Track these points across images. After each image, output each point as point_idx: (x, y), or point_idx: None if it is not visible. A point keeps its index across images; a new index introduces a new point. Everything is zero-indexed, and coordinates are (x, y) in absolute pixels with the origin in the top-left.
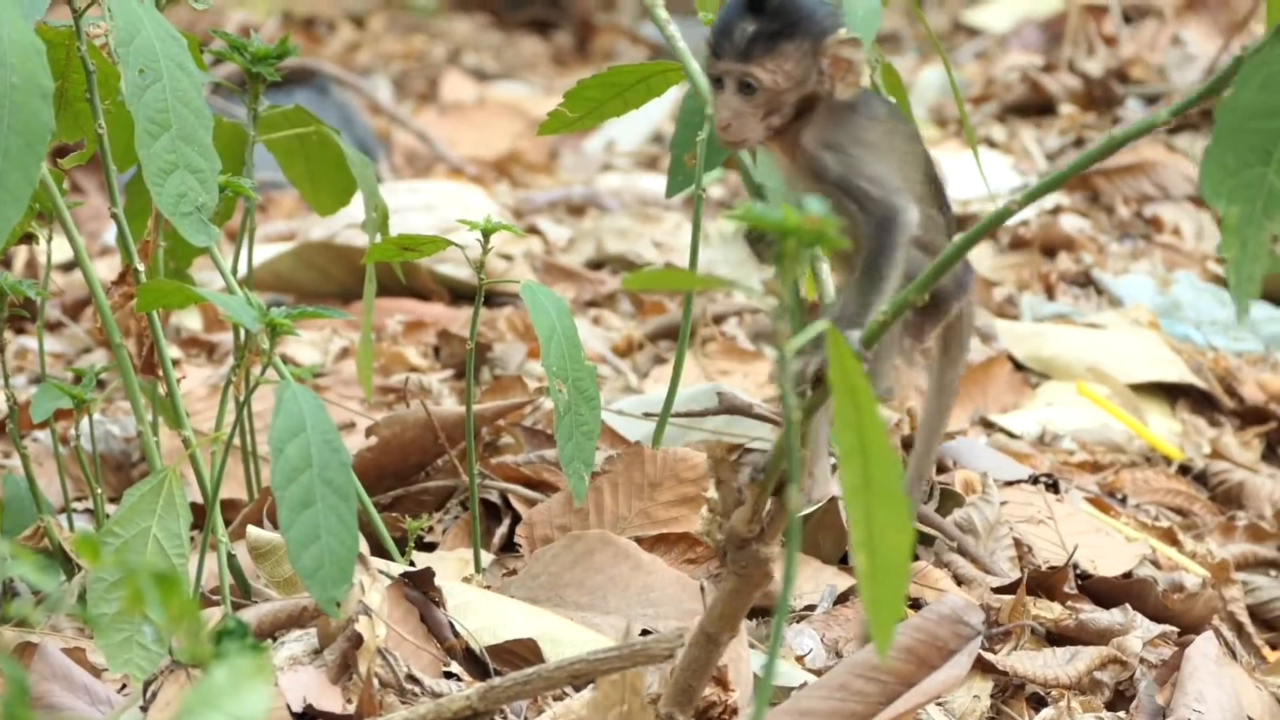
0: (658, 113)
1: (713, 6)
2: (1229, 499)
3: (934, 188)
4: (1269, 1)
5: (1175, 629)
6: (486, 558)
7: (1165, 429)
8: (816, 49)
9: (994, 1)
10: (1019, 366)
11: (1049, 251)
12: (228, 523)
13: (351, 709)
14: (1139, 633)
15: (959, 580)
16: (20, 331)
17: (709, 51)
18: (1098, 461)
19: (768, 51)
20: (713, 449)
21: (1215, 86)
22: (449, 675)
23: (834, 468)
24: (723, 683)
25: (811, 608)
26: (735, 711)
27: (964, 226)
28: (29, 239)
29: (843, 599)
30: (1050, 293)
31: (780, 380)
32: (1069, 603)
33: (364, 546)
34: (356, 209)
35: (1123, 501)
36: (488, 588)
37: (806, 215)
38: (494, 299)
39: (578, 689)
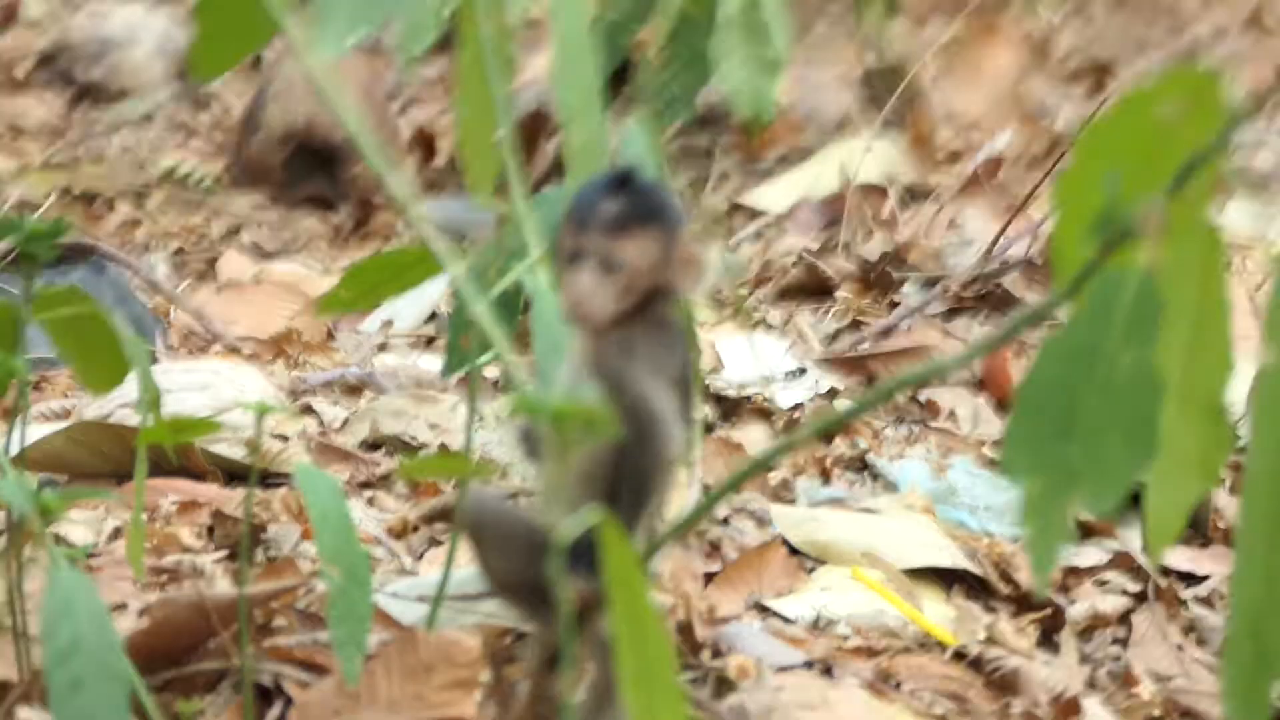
0: (435, 292)
1: (487, 188)
2: (1004, 686)
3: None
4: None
5: None
6: None
7: (940, 614)
8: (673, 239)
9: (772, 182)
10: (794, 551)
11: (825, 436)
12: None
13: None
14: None
15: None
16: None
17: (568, 224)
18: (872, 647)
19: (637, 231)
20: (489, 642)
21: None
22: None
23: None
24: None
25: None
26: None
27: (737, 409)
28: None
29: None
30: (826, 477)
31: (554, 569)
32: None
33: None
34: (132, 387)
35: (897, 687)
36: None
37: (580, 403)
38: (269, 479)
39: None
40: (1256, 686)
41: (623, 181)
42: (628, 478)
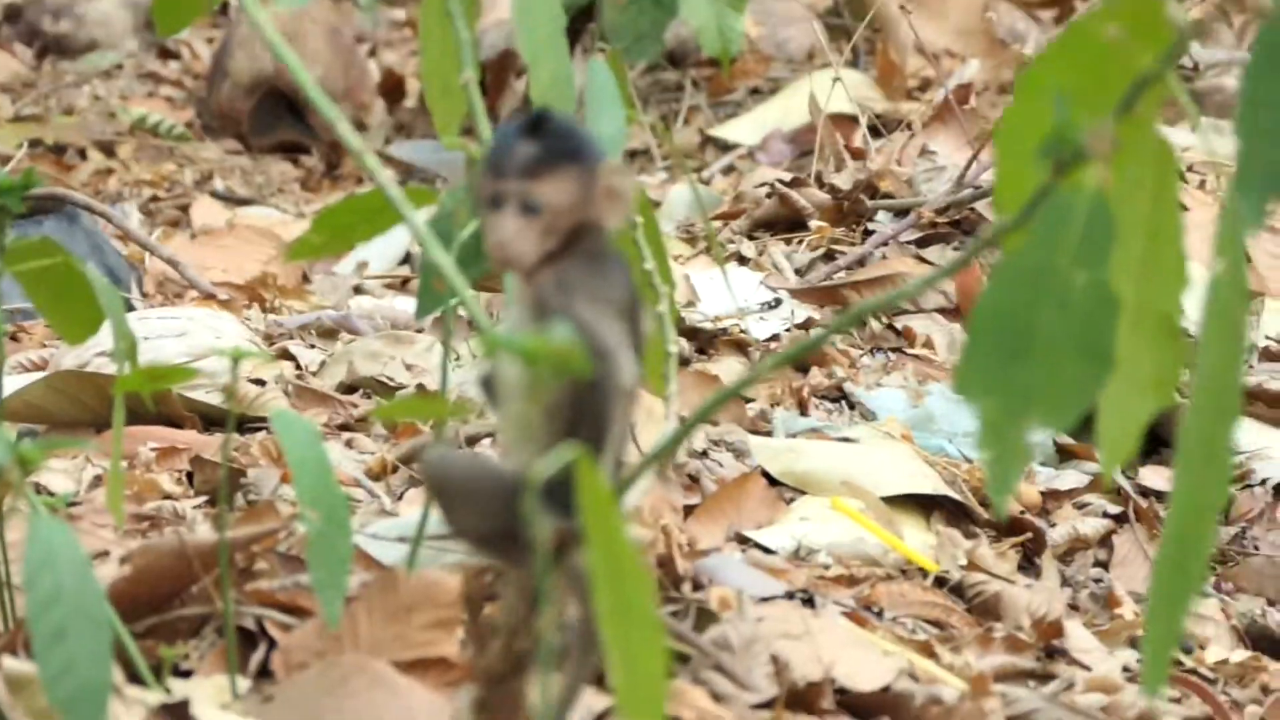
0: (408, 235)
1: (453, 130)
2: (986, 610)
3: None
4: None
5: None
6: (243, 684)
7: (920, 542)
8: (592, 176)
9: (742, 116)
10: (773, 482)
11: (801, 366)
12: None
13: None
14: None
15: (716, 697)
16: None
17: (486, 171)
18: (853, 575)
19: (552, 172)
20: (467, 581)
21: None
22: None
23: None
24: None
25: None
26: None
27: (713, 342)
28: None
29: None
30: (803, 407)
31: (530, 510)
32: (827, 718)
33: (119, 676)
34: (109, 336)
35: (879, 615)
36: (245, 715)
37: (553, 343)
38: (247, 424)
39: None
40: (1173, 615)
41: (537, 124)
42: (583, 411)
